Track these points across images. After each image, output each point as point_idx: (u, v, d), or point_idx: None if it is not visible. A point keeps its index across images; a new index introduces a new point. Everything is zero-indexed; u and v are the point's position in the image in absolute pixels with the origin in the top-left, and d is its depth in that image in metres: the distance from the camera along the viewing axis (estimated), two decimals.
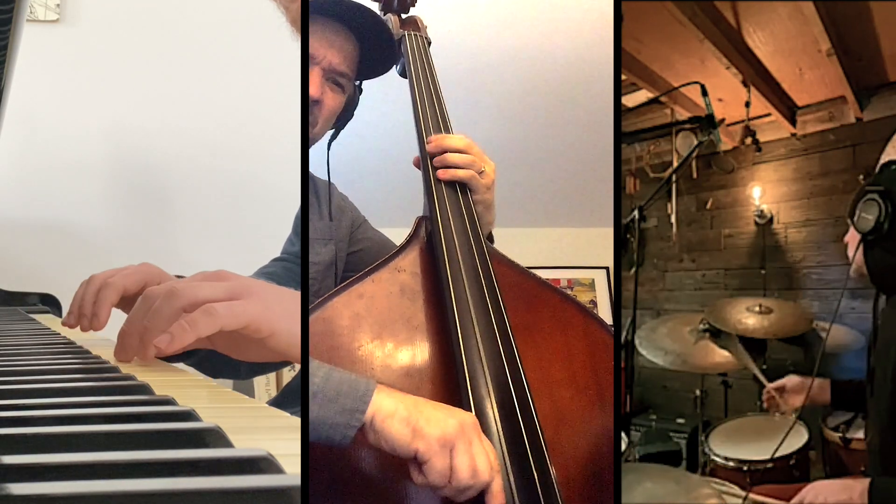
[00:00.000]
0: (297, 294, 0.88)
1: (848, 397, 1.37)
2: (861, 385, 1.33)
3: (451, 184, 0.96)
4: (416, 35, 1.16)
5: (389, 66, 1.18)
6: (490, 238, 1.05)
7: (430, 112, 1.03)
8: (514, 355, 0.76)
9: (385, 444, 0.64)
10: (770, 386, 1.42)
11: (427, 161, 0.98)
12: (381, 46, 1.14)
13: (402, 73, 1.15)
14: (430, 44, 1.18)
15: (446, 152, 0.97)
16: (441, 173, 0.96)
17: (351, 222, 1.30)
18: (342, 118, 1.18)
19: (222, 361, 1.00)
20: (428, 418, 0.64)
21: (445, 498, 0.70)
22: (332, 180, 1.28)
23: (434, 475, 0.63)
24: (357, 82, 1.18)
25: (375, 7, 1.22)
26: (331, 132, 1.20)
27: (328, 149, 1.20)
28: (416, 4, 1.23)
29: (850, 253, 1.17)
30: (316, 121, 1.11)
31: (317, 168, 1.26)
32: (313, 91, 1.08)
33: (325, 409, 0.63)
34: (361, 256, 1.28)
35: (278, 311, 0.81)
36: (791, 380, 1.42)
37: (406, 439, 0.63)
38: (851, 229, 1.13)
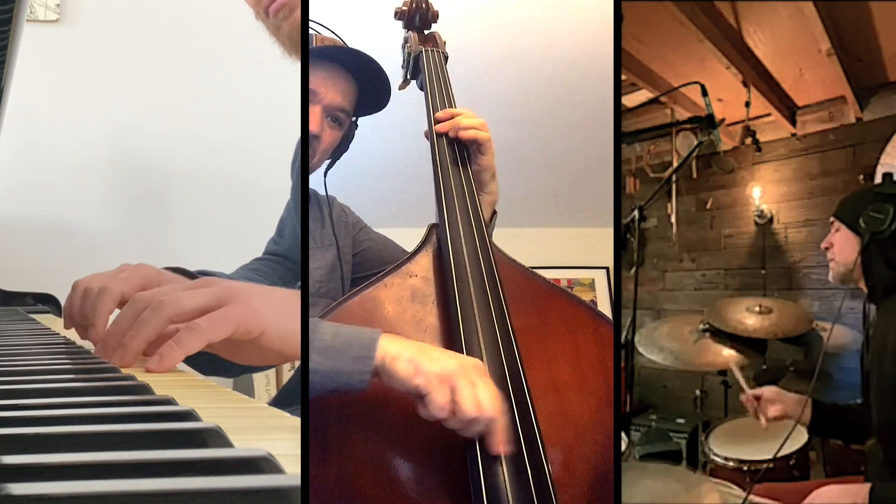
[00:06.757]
0: (288, 292, 0.91)
1: (830, 422, 1.28)
2: (845, 411, 1.28)
3: (458, 175, 1.00)
4: (433, 51, 1.23)
5: (384, 104, 1.29)
6: (494, 215, 1.12)
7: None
8: (515, 357, 0.77)
9: (393, 382, 0.70)
10: (749, 393, 1.33)
11: (436, 154, 1.03)
12: (378, 89, 1.26)
13: (422, 87, 1.22)
14: (447, 59, 1.24)
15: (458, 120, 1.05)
16: (462, 133, 1.03)
17: (352, 227, 1.40)
18: (339, 150, 1.29)
19: (213, 359, 1.01)
20: (431, 358, 0.70)
21: (447, 496, 0.70)
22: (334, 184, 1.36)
23: (433, 407, 0.68)
24: (354, 118, 1.29)
25: (390, 34, 1.31)
26: (327, 162, 1.30)
27: (325, 176, 1.31)
28: (437, 21, 1.30)
29: (837, 254, 1.17)
30: (315, 153, 1.21)
31: (319, 188, 1.36)
32: (313, 127, 1.18)
33: (338, 361, 0.69)
34: (365, 256, 1.38)
35: (266, 310, 0.83)
36: (768, 390, 1.33)
37: (409, 375, 0.69)
38: (840, 233, 1.14)
